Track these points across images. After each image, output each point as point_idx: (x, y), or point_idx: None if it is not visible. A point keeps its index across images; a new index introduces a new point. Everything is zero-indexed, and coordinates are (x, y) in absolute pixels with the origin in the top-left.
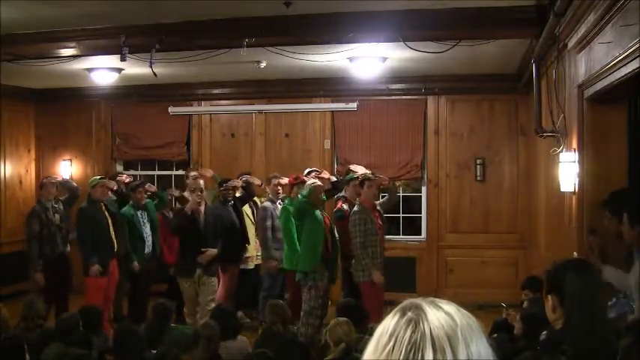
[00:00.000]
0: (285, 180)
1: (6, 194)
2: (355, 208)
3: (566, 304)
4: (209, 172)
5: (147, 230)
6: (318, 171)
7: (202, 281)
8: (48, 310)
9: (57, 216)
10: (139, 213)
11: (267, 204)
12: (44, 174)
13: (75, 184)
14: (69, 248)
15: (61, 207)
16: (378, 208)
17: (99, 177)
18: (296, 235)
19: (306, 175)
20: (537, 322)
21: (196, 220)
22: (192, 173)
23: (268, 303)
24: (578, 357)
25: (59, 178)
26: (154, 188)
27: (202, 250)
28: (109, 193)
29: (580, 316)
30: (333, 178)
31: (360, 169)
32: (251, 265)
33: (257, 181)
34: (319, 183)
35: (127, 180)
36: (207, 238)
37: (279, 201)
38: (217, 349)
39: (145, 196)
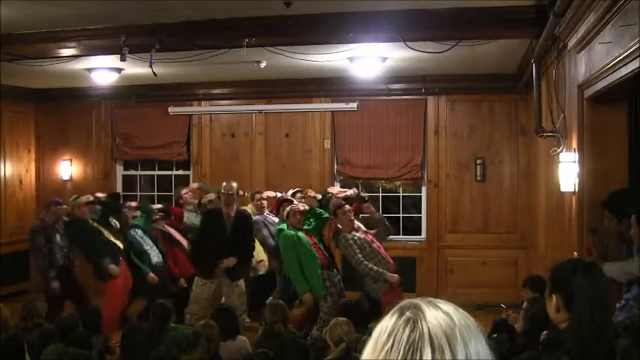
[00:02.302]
0: (269, 193)
1: (6, 194)
2: (339, 236)
3: (574, 305)
4: (194, 185)
5: (148, 242)
6: (301, 191)
7: (227, 285)
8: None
9: (57, 235)
10: (131, 232)
11: (257, 217)
12: (44, 174)
13: None
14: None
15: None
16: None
17: (75, 197)
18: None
19: (291, 196)
20: (539, 322)
21: (224, 221)
22: (182, 192)
23: (268, 303)
24: (582, 358)
25: (64, 207)
26: (134, 204)
27: (220, 260)
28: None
29: (589, 319)
30: (319, 196)
31: (336, 190)
32: (262, 271)
33: (240, 192)
34: (298, 207)
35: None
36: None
37: (265, 213)
38: (217, 349)
39: (132, 214)
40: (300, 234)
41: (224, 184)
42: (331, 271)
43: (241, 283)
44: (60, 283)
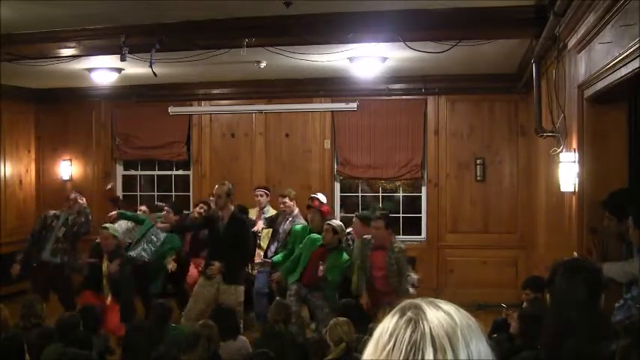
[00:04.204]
0: (288, 201)
1: (6, 194)
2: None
3: (550, 303)
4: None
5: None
6: (318, 199)
7: (222, 289)
8: None
9: (63, 229)
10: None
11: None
12: (44, 174)
13: (89, 224)
14: (59, 260)
15: (73, 230)
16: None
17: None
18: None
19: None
20: (534, 322)
21: (218, 224)
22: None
23: (275, 301)
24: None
25: (84, 201)
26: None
27: (211, 262)
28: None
29: (556, 315)
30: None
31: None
32: None
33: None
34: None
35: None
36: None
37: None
38: (217, 349)
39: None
40: (318, 242)
41: (217, 186)
42: (307, 290)
43: (238, 288)
44: (45, 278)
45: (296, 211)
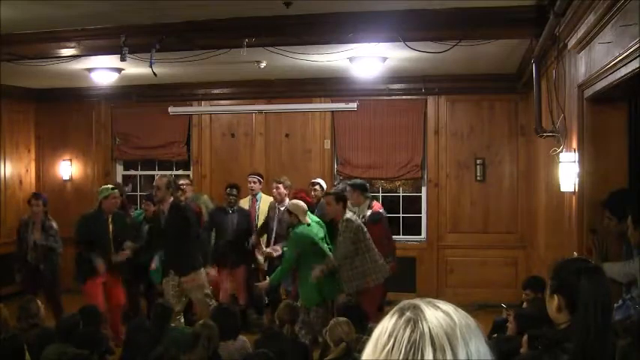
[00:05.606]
0: (281, 188)
1: (6, 194)
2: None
3: (580, 309)
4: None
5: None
6: (320, 184)
7: (182, 281)
8: None
9: (32, 236)
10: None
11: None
12: (44, 174)
13: (56, 244)
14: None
15: (44, 239)
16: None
17: (110, 187)
18: None
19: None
20: (531, 322)
21: (159, 217)
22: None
23: (285, 302)
24: (581, 358)
25: (40, 208)
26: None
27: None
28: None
29: (593, 323)
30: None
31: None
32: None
33: None
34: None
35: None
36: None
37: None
38: (217, 349)
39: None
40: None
41: (156, 177)
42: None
43: (196, 273)
44: (29, 280)
45: (286, 200)
